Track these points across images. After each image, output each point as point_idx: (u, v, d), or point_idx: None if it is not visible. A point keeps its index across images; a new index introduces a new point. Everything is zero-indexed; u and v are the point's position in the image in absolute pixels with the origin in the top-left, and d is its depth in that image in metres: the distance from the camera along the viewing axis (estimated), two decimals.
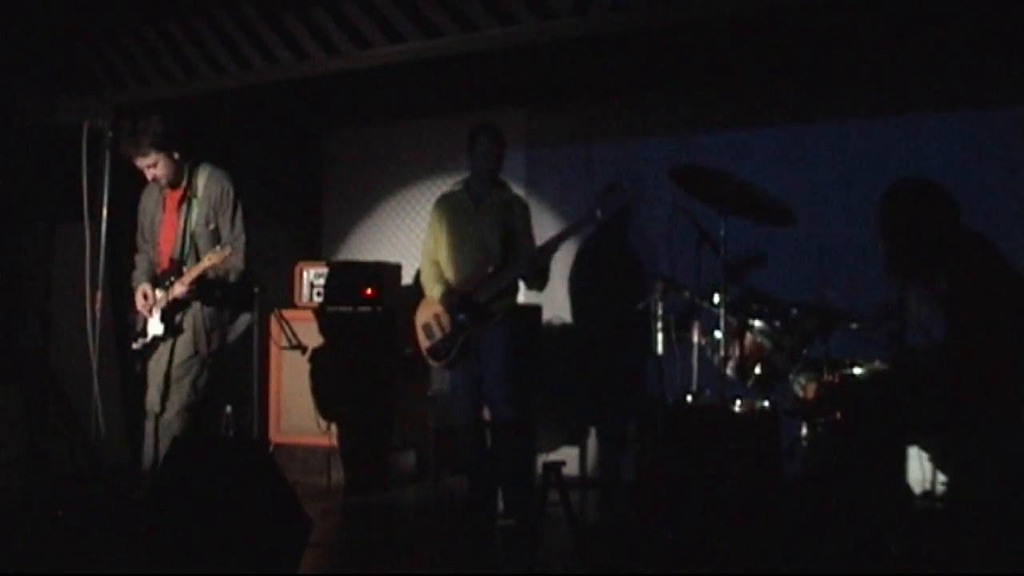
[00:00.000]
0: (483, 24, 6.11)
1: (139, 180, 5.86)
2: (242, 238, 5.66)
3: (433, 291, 6.05)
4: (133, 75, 7.30)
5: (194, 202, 5.71)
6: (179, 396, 5.61)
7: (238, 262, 5.63)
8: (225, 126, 7.58)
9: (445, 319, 5.91)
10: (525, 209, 6.11)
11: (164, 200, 5.85)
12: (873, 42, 6.36)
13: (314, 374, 7.20)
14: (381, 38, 6.45)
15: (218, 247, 5.50)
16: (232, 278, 5.68)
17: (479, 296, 5.83)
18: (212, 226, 5.68)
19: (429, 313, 6.01)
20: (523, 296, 6.35)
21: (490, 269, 5.83)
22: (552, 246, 5.86)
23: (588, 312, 7.57)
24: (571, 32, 6.01)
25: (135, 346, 5.74)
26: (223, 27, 6.95)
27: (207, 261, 5.49)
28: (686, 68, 6.98)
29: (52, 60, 7.31)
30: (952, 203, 4.87)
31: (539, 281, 6.00)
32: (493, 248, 5.90)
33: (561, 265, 6.21)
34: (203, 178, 5.74)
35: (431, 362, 6.08)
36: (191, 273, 5.53)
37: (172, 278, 5.62)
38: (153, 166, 5.62)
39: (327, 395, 7.17)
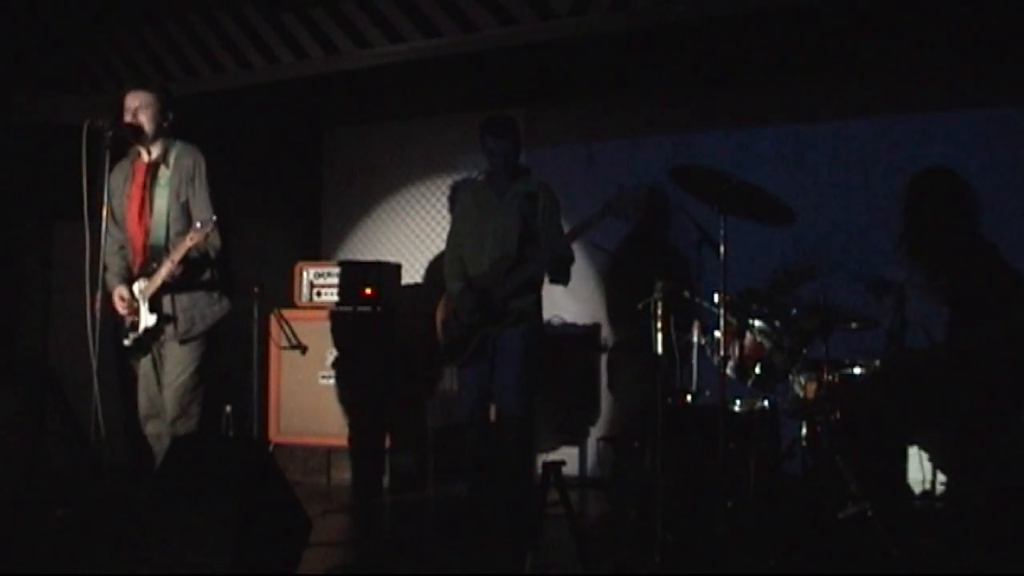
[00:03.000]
0: (483, 24, 6.11)
1: None
2: (213, 215, 5.51)
3: (453, 287, 6.01)
4: (133, 74, 7.30)
5: (164, 172, 5.50)
6: (183, 402, 5.52)
7: (215, 239, 5.48)
8: (225, 126, 7.57)
9: (463, 317, 5.84)
10: (551, 199, 5.94)
11: (133, 173, 5.59)
12: (874, 42, 6.36)
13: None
14: (381, 38, 6.44)
15: (198, 224, 5.36)
16: (212, 255, 5.53)
17: (495, 294, 5.77)
18: (183, 199, 5.48)
19: (449, 310, 5.96)
20: None
21: (505, 265, 5.77)
22: (570, 236, 5.79)
23: (588, 311, 7.57)
24: (571, 32, 6.01)
25: (127, 342, 5.55)
26: (223, 27, 6.95)
27: (189, 241, 5.36)
28: (686, 68, 6.98)
29: (52, 59, 7.30)
30: (975, 209, 4.92)
31: (561, 275, 5.90)
32: (512, 242, 5.82)
33: None
34: (175, 150, 5.53)
35: (447, 360, 6.03)
36: (178, 252, 5.38)
37: (154, 265, 5.42)
38: (147, 107, 5.43)
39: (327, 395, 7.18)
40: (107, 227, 5.61)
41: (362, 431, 7.09)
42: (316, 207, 8.89)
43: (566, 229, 5.94)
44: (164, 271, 5.36)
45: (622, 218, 5.77)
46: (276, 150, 8.37)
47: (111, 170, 5.47)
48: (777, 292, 5.47)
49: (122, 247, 5.65)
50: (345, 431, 7.12)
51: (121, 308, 5.52)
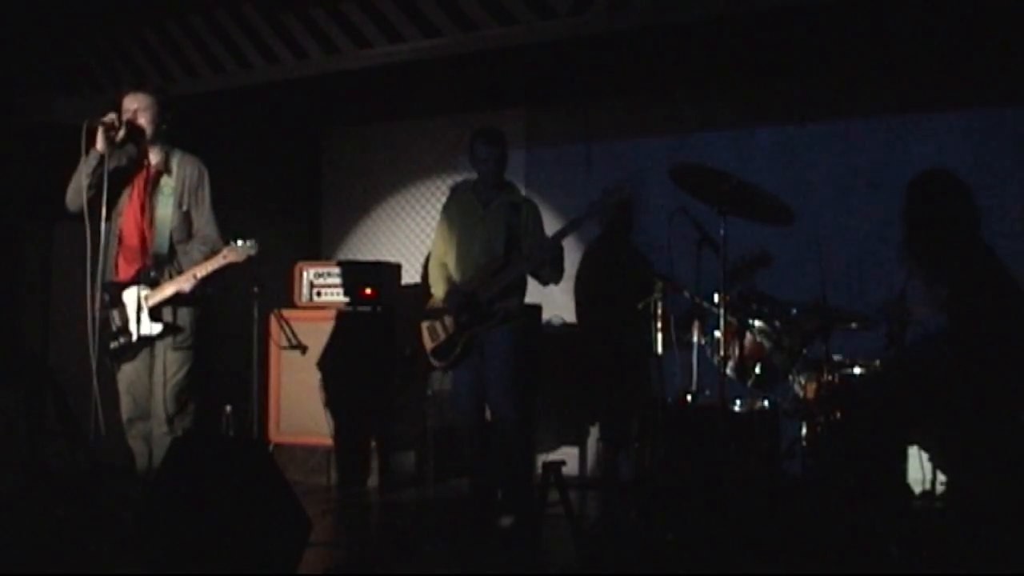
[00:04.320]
0: (482, 24, 6.11)
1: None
2: (216, 231, 5.52)
3: (437, 291, 6.05)
4: (132, 74, 7.29)
5: (167, 181, 5.48)
6: (181, 399, 5.50)
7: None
8: (225, 126, 7.58)
9: (449, 319, 5.90)
10: (534, 211, 6.04)
11: (134, 174, 5.54)
12: (873, 41, 6.36)
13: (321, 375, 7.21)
14: (380, 38, 6.44)
15: (238, 243, 5.35)
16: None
17: (481, 296, 5.81)
18: (184, 208, 5.49)
19: (433, 314, 6.00)
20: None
21: (491, 269, 5.83)
22: (557, 237, 5.83)
23: (588, 312, 7.57)
24: (570, 32, 6.01)
25: (114, 345, 5.48)
26: (223, 27, 6.95)
27: (222, 259, 5.36)
28: (685, 67, 6.98)
29: (52, 59, 7.30)
30: (975, 210, 4.92)
31: (554, 274, 5.95)
32: (498, 250, 5.88)
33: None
34: (176, 158, 5.54)
35: (435, 362, 6.05)
36: (204, 267, 5.38)
37: (154, 273, 5.41)
38: (146, 109, 5.41)
39: (326, 395, 7.18)
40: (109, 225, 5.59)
41: (361, 431, 7.09)
42: (316, 207, 8.89)
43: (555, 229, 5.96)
44: (186, 285, 5.35)
45: (608, 217, 5.77)
46: (276, 150, 8.37)
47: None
48: (735, 280, 5.47)
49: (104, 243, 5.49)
50: (344, 431, 7.11)
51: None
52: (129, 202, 5.51)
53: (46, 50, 7.26)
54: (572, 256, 7.43)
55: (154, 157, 5.51)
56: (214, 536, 4.21)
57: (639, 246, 7.35)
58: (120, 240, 5.52)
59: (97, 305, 5.34)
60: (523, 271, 5.89)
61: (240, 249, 5.32)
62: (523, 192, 6.62)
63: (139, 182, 5.52)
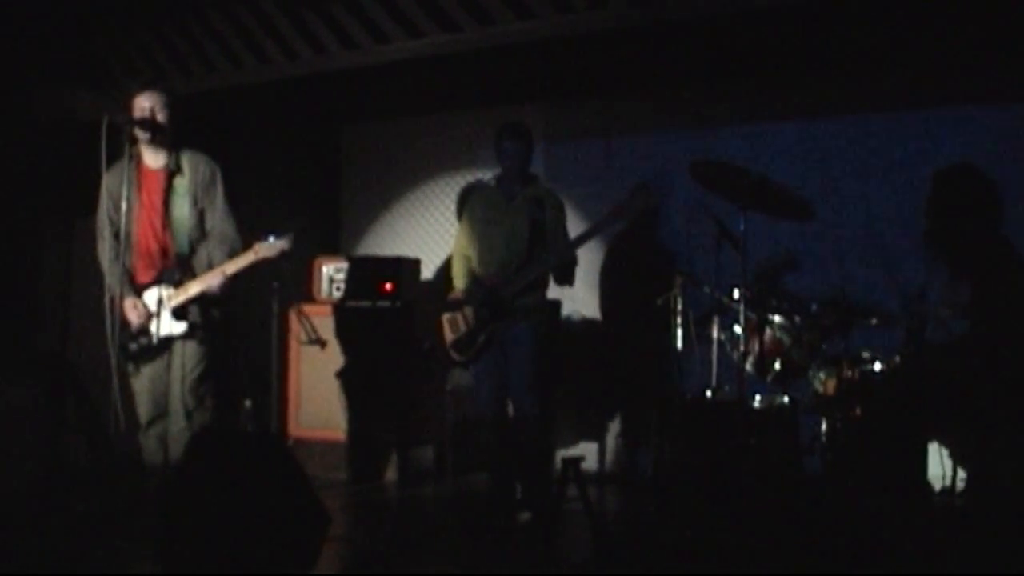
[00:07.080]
0: (501, 18, 6.10)
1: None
2: (234, 227, 5.53)
3: (459, 284, 6.07)
4: (152, 70, 7.30)
5: (181, 181, 5.45)
6: (199, 393, 5.50)
7: (239, 248, 5.49)
8: (244, 122, 7.59)
9: (470, 313, 5.90)
10: (558, 205, 6.04)
11: (139, 179, 5.47)
12: (893, 36, 6.33)
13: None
14: (399, 33, 6.44)
15: (271, 238, 5.35)
16: None
17: (504, 291, 5.81)
18: (200, 207, 5.48)
19: (455, 308, 6.00)
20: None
21: (514, 265, 5.82)
22: (579, 241, 5.83)
23: (607, 307, 7.55)
24: (590, 26, 6.00)
25: (133, 347, 5.44)
26: (242, 22, 6.95)
27: (253, 255, 5.36)
28: (705, 62, 6.96)
29: (71, 55, 7.32)
30: (998, 206, 4.91)
31: (568, 276, 5.98)
32: (521, 244, 5.89)
33: (581, 260, 6.22)
34: (187, 157, 5.50)
35: (455, 356, 6.06)
36: (234, 264, 5.39)
37: (177, 275, 5.41)
38: (163, 108, 5.38)
39: (346, 390, 7.18)
40: (101, 232, 5.56)
41: (380, 426, 7.10)
42: (335, 202, 8.90)
43: (580, 228, 5.95)
44: (214, 283, 5.35)
45: (633, 219, 5.76)
46: (295, 146, 8.38)
47: (108, 170, 5.37)
48: (761, 282, 5.47)
49: (117, 254, 5.43)
50: (363, 426, 7.12)
51: (136, 319, 5.43)
52: (139, 205, 5.46)
53: (64, 45, 7.27)
54: (597, 251, 7.42)
55: (161, 157, 5.49)
56: (233, 531, 4.22)
57: (661, 242, 7.33)
58: (135, 244, 5.47)
59: (117, 305, 5.35)
60: (545, 269, 5.88)
61: (272, 245, 5.31)
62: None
63: (150, 185, 5.50)
